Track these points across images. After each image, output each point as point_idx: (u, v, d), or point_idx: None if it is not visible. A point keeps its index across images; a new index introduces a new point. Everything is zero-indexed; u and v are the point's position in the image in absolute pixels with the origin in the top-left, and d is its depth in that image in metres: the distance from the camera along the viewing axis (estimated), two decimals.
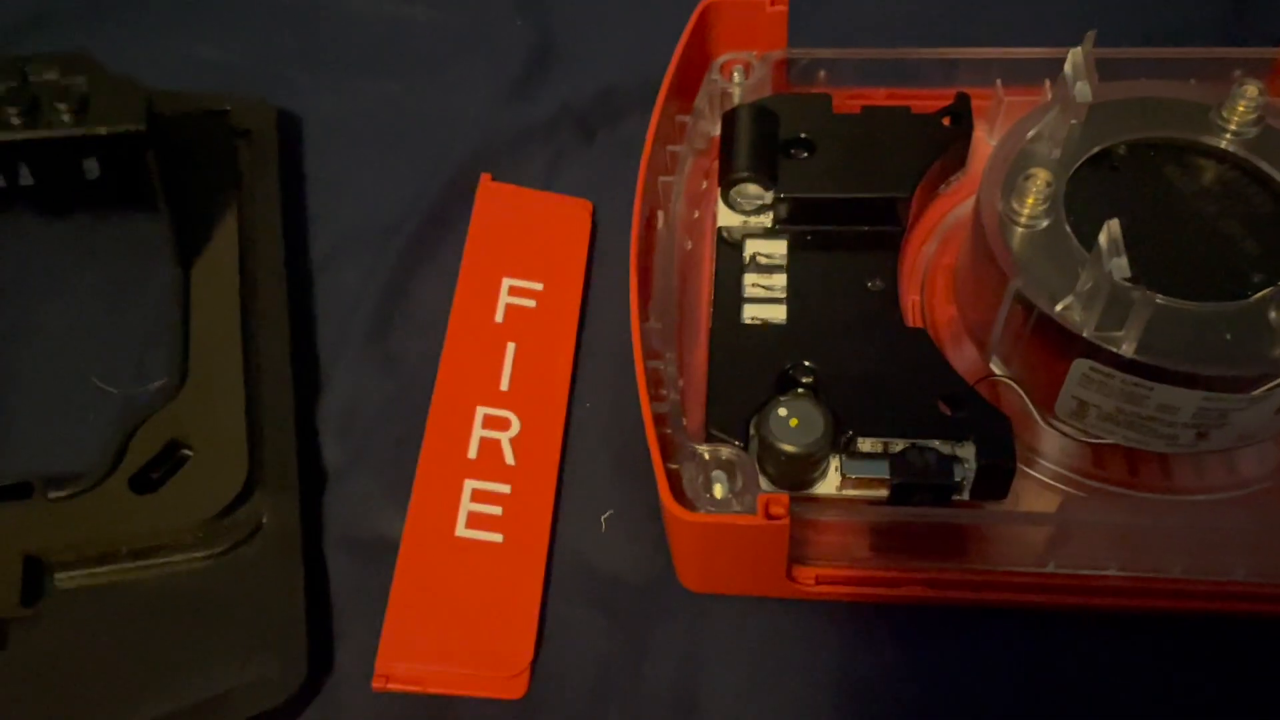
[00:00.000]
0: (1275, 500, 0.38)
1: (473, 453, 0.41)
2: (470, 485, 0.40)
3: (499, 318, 0.45)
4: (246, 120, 0.50)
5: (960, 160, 0.45)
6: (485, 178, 0.49)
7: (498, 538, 0.39)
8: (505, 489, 0.40)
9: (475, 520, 0.40)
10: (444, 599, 0.38)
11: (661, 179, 0.44)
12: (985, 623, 0.38)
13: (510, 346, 0.44)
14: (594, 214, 0.49)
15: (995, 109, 0.46)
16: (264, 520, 0.39)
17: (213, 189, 0.47)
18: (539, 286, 0.46)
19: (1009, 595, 0.37)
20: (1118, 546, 0.37)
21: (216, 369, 0.42)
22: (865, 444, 0.36)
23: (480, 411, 0.42)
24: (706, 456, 0.36)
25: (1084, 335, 0.34)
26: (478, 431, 0.42)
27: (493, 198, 0.48)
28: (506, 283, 0.46)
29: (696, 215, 0.46)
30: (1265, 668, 0.37)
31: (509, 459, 0.41)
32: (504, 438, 0.42)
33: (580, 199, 0.49)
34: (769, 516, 0.34)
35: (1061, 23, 0.52)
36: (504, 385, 0.43)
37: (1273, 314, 0.34)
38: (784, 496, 0.34)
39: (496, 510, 0.40)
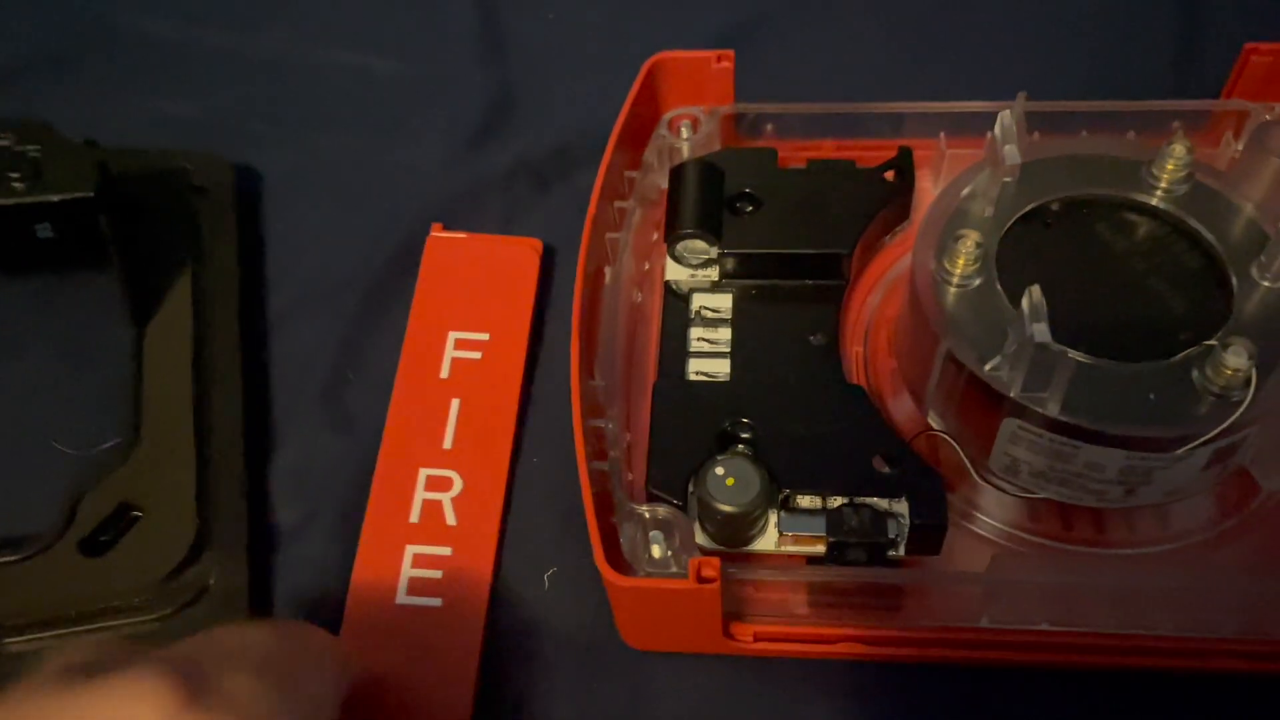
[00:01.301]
0: (1205, 555, 0.38)
1: (414, 516, 0.42)
2: (411, 551, 0.41)
3: (444, 373, 0.45)
4: (205, 178, 0.50)
5: (904, 213, 0.46)
6: (435, 228, 0.49)
7: (436, 602, 0.40)
8: (446, 551, 0.41)
9: (415, 586, 0.40)
10: (383, 668, 0.38)
11: (609, 235, 0.44)
12: (921, 677, 0.38)
13: (455, 403, 0.44)
14: (545, 252, 0.49)
15: (939, 160, 0.46)
16: (211, 582, 0.39)
17: (169, 247, 0.47)
18: (485, 337, 0.46)
19: (944, 651, 0.38)
20: (1049, 602, 0.37)
21: (168, 430, 0.42)
22: (803, 500, 0.37)
23: (423, 473, 0.43)
24: (646, 516, 0.37)
25: (1011, 395, 0.35)
26: (420, 494, 0.42)
27: (441, 249, 0.49)
28: (452, 336, 0.46)
29: (647, 267, 0.46)
30: None
31: (450, 519, 0.42)
32: (445, 498, 0.42)
33: (530, 238, 0.49)
34: (700, 579, 0.35)
35: (1008, 73, 0.53)
36: (447, 444, 0.43)
37: (1195, 374, 0.34)
38: (715, 560, 0.35)
39: (436, 574, 0.40)
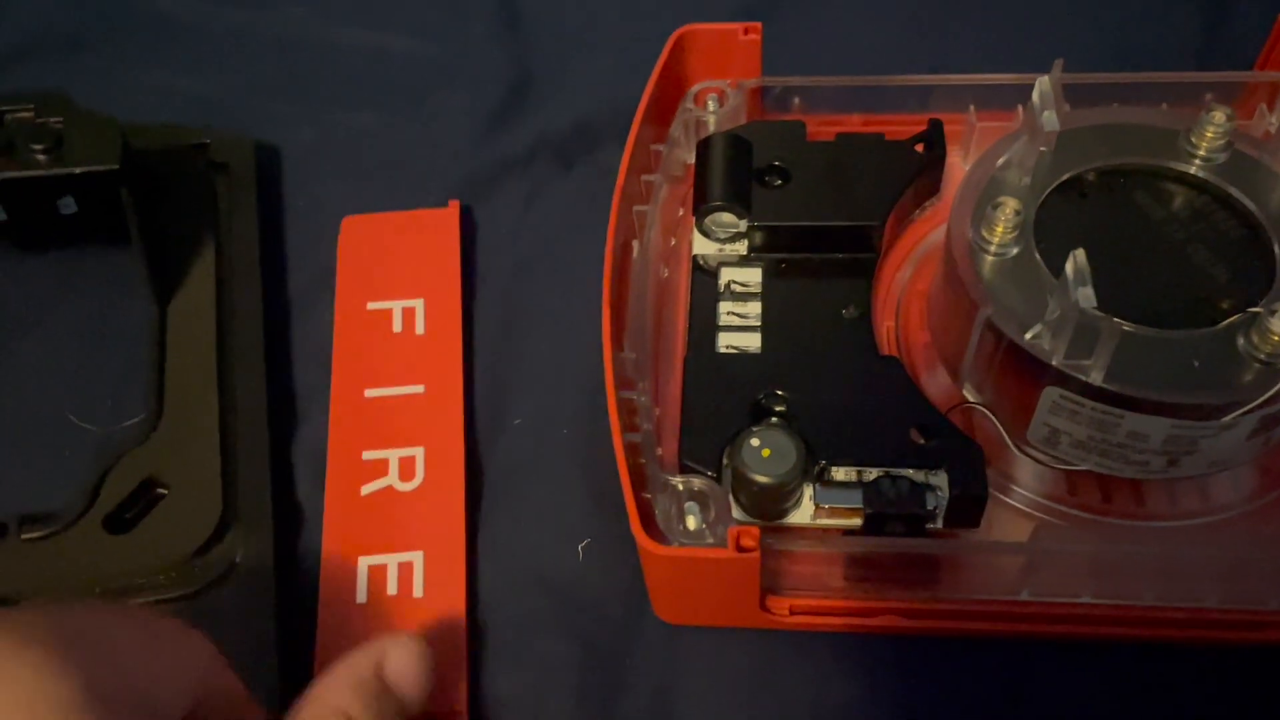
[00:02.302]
0: (1248, 527, 0.38)
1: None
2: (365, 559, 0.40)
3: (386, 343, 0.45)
4: (225, 153, 0.50)
5: (934, 186, 0.45)
6: (346, 221, 0.49)
7: (413, 592, 0.39)
8: (414, 551, 0.40)
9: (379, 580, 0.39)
10: None
11: (636, 208, 0.44)
12: (959, 651, 0.38)
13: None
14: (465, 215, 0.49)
15: (969, 134, 0.46)
16: (237, 560, 0.39)
17: (190, 224, 0.47)
18: (420, 313, 0.46)
19: (982, 624, 0.37)
20: (1090, 574, 0.36)
21: (192, 406, 0.42)
22: (839, 473, 0.36)
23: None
24: (680, 488, 0.36)
25: (1053, 363, 0.34)
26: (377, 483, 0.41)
27: (357, 230, 0.48)
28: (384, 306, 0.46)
29: (674, 243, 0.46)
30: (1238, 694, 0.36)
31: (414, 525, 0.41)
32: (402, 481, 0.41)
33: (446, 208, 0.49)
34: (739, 549, 0.34)
35: (1036, 46, 0.52)
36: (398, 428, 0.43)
37: (1240, 341, 0.34)
38: (755, 529, 0.34)
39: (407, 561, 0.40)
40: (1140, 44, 0.53)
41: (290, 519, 0.42)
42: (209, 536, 0.39)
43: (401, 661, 0.32)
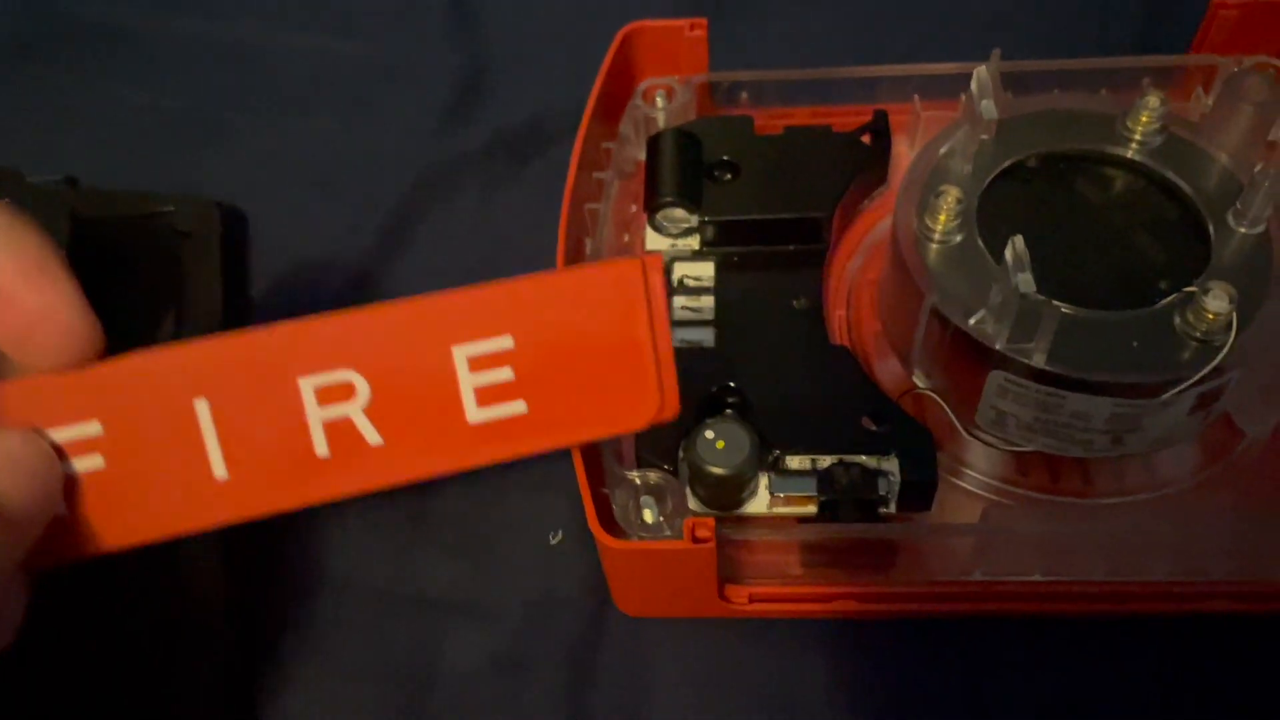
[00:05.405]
0: (1193, 501, 0.38)
1: None
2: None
3: None
4: (188, 221, 0.48)
5: (882, 175, 0.46)
6: None
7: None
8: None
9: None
10: None
11: (588, 206, 0.44)
12: (917, 632, 0.38)
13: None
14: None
15: (915, 123, 0.47)
16: None
17: (151, 294, 0.45)
18: None
19: (938, 605, 0.38)
20: (1040, 552, 0.37)
21: None
22: (793, 462, 0.37)
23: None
24: (637, 481, 0.37)
25: (997, 348, 0.35)
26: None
27: None
28: None
29: (626, 239, 0.46)
30: (1189, 665, 0.37)
31: None
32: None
33: None
34: (695, 540, 0.35)
35: (982, 34, 0.53)
36: None
37: (1177, 320, 0.35)
38: (709, 520, 0.35)
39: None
40: (1084, 29, 0.53)
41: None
42: None
43: None
